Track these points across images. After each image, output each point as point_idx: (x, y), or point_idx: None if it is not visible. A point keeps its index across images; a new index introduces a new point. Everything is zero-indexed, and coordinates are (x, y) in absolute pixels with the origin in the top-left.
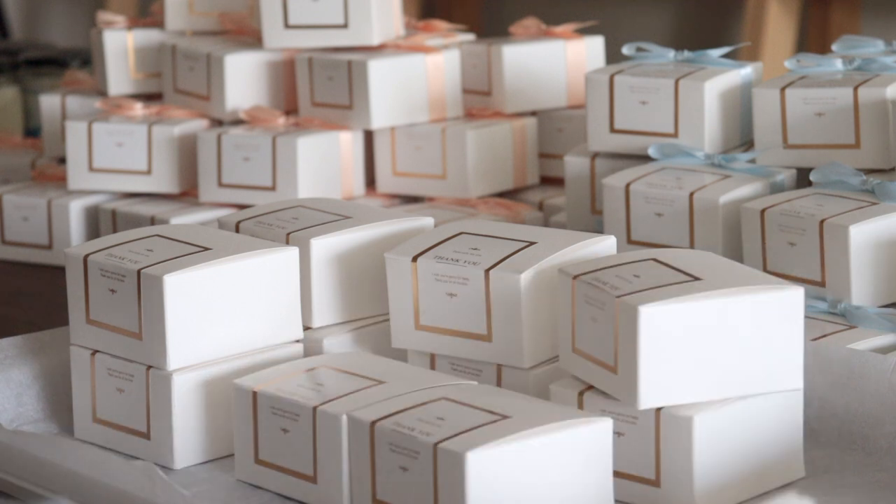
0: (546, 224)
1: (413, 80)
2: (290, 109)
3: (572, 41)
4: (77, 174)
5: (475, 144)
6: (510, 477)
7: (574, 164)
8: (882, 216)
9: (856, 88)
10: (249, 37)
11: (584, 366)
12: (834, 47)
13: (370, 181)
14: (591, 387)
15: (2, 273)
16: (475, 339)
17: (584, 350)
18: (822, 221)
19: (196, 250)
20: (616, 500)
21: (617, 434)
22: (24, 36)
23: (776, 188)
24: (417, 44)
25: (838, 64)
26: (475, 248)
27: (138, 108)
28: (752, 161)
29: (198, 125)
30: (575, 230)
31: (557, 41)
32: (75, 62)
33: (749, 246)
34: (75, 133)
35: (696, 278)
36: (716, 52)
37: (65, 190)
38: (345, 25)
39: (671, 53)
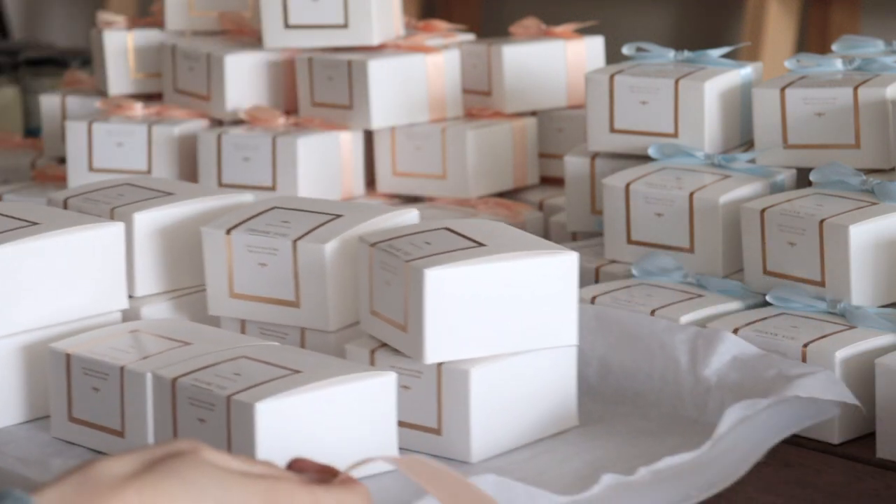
0: (546, 224)
1: (413, 80)
2: (291, 109)
3: (572, 41)
4: (77, 174)
5: (475, 144)
6: (298, 426)
7: (574, 164)
8: (882, 216)
9: (856, 88)
10: (249, 37)
11: (380, 326)
12: (834, 47)
13: (370, 181)
14: (384, 345)
15: None
16: (284, 306)
17: (380, 311)
18: (822, 221)
19: (23, 225)
20: (402, 448)
21: (404, 388)
22: (24, 36)
23: (776, 188)
24: (417, 44)
25: (838, 64)
26: (286, 221)
27: (138, 108)
28: (752, 161)
29: (198, 125)
30: (575, 230)
31: (557, 41)
32: (75, 62)
33: (749, 246)
34: (75, 133)
35: (482, 245)
36: (716, 52)
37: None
38: (345, 25)
39: (671, 53)
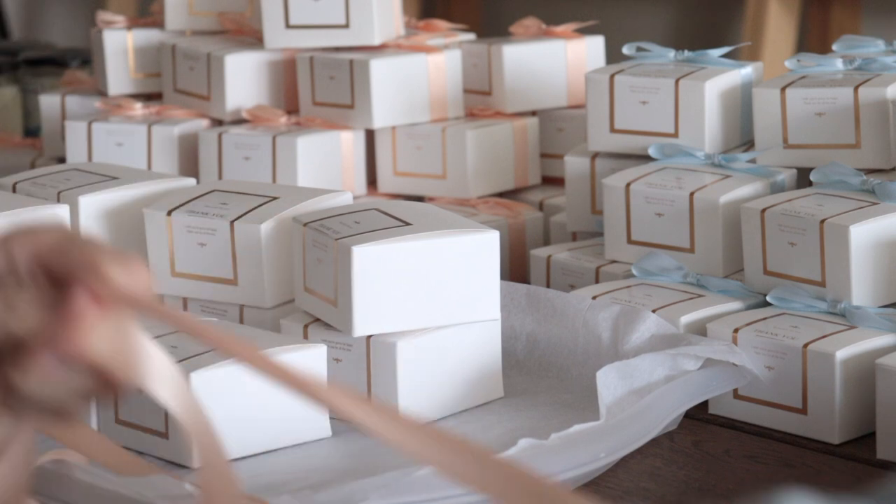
0: (546, 224)
1: (415, 79)
2: (290, 109)
3: (572, 41)
4: None
5: (475, 144)
6: (233, 396)
7: (574, 164)
8: (882, 216)
9: (856, 88)
10: (249, 37)
11: (313, 302)
12: (834, 47)
13: (371, 181)
14: (317, 320)
15: None
16: (223, 284)
17: (313, 288)
18: (822, 221)
19: None
20: (332, 418)
21: (335, 360)
22: (24, 36)
23: (776, 188)
24: (419, 43)
25: (838, 64)
26: (224, 203)
27: (138, 108)
28: (753, 161)
29: (198, 125)
30: (575, 230)
31: (557, 41)
32: (75, 62)
33: (749, 246)
34: (75, 133)
35: (408, 224)
36: (716, 52)
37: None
38: (346, 25)
39: (671, 53)
